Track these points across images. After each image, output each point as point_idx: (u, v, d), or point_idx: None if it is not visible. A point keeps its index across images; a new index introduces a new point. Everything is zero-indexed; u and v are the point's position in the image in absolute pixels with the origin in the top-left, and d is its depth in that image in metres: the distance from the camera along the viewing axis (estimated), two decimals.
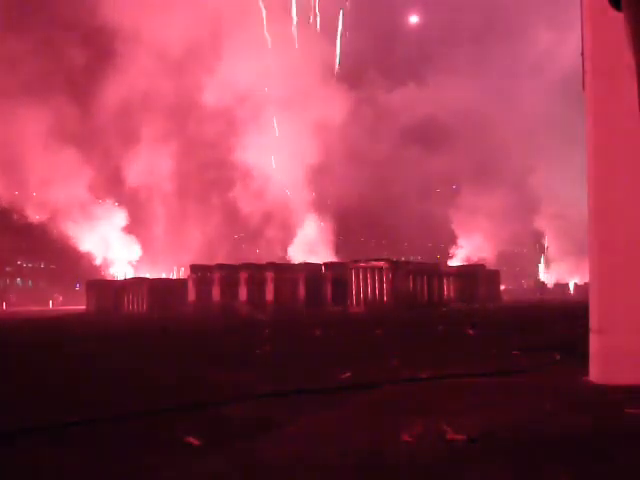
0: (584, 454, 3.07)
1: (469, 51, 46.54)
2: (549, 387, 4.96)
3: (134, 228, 41.05)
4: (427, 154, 45.12)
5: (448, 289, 30.91)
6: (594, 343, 4.89)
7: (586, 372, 5.10)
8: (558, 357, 6.58)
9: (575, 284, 47.69)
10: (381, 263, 26.28)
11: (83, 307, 33.90)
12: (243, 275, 27.16)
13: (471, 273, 32.38)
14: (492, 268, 37.02)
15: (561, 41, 39.48)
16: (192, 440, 3.48)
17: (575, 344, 7.27)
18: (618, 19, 5.10)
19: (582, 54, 5.57)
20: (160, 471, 2.99)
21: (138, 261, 40.61)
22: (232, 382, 5.66)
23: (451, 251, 46.98)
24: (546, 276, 52.92)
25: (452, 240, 47.32)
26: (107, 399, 4.97)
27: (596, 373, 4.86)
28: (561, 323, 12.48)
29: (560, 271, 50.17)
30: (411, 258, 40.69)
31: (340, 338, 11.25)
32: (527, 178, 46.08)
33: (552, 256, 51.87)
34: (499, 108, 42.75)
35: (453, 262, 44.06)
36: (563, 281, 49.43)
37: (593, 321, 4.92)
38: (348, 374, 5.76)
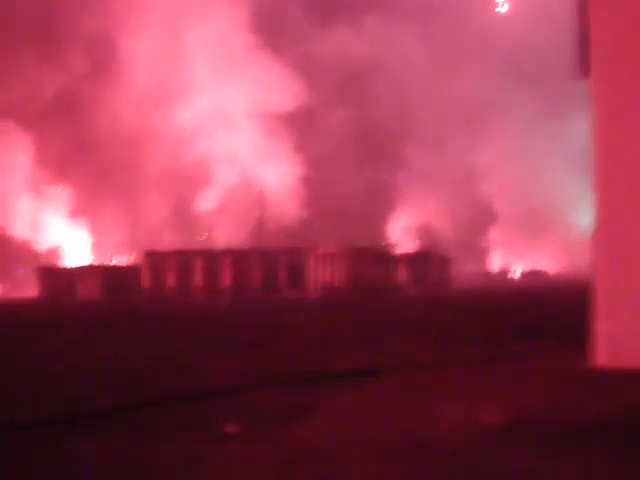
0: (614, 437, 3.15)
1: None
2: (556, 372, 5.07)
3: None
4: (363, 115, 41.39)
5: (401, 274, 31.20)
6: (601, 327, 4.99)
7: (582, 356, 5.18)
8: (551, 343, 6.70)
9: (521, 271, 48.56)
10: (335, 248, 26.34)
11: (29, 296, 32.97)
12: (199, 262, 26.88)
13: (423, 258, 32.72)
14: (441, 253, 37.41)
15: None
16: (230, 428, 3.46)
17: (559, 329, 7.45)
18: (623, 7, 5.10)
19: (580, 42, 5.64)
20: (207, 456, 2.98)
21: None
22: (228, 370, 5.61)
23: (396, 234, 47.09)
24: (491, 262, 53.80)
25: (400, 223, 47.56)
26: (131, 386, 4.90)
27: (603, 357, 4.96)
28: (529, 308, 12.69)
29: (506, 257, 51.07)
30: (364, 243, 40.71)
31: (313, 325, 11.20)
32: (472, 157, 46.06)
33: (498, 241, 52.74)
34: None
35: (402, 246, 44.43)
36: (509, 267, 50.29)
37: (600, 305, 5.03)
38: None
